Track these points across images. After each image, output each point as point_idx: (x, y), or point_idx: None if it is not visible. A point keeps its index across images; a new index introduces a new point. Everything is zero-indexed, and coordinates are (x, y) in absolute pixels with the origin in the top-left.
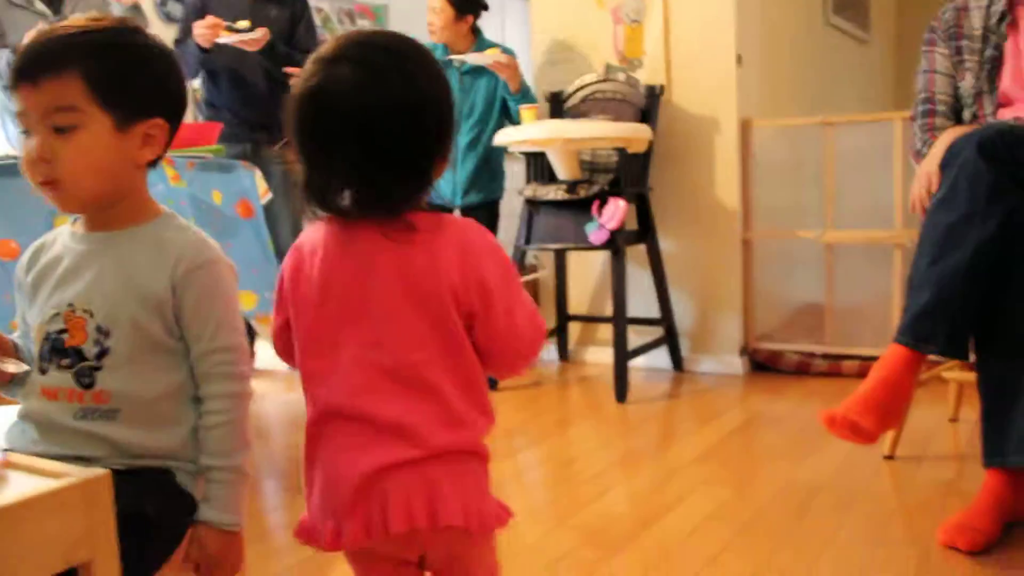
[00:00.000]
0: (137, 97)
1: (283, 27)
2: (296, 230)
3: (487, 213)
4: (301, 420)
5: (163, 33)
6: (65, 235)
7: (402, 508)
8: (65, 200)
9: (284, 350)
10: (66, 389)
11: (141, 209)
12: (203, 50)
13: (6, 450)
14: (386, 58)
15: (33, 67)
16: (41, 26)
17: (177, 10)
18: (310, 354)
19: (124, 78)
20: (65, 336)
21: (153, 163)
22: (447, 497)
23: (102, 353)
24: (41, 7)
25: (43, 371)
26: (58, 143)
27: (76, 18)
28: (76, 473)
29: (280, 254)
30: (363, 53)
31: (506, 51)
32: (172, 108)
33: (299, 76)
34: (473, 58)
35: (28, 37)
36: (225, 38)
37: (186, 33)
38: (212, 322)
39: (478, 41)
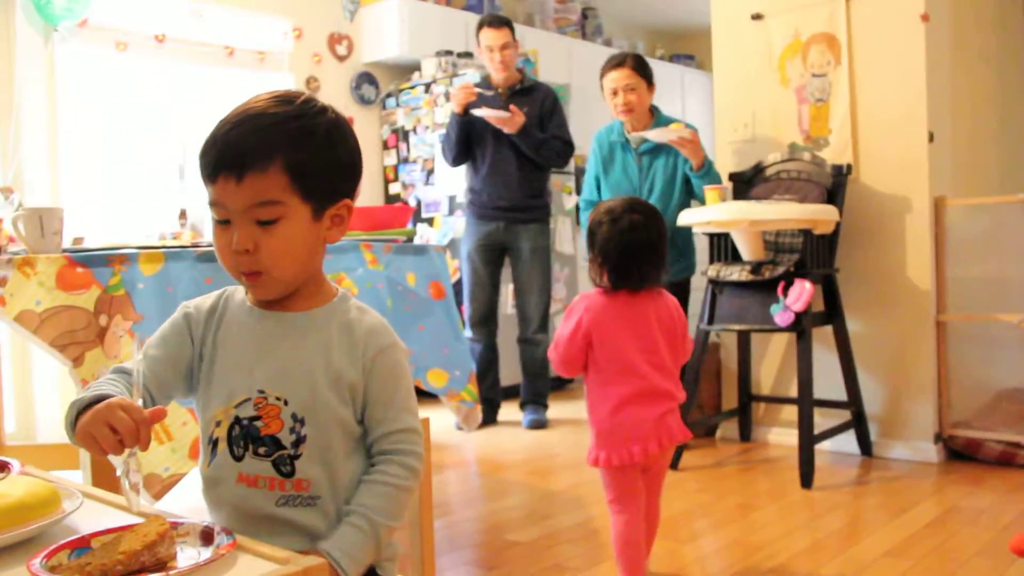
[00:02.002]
0: (332, 184)
1: (534, 118)
2: (546, 298)
3: (674, 293)
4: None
5: (357, 116)
6: (237, 307)
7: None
8: (268, 289)
9: (568, 364)
10: (266, 477)
11: (321, 289)
12: (459, 118)
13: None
14: (651, 209)
15: (237, 163)
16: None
17: (371, 93)
18: (612, 359)
19: (321, 168)
20: (260, 424)
21: None
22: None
23: (298, 441)
24: None
25: (237, 457)
26: (261, 234)
27: (262, 100)
28: (300, 561)
29: (526, 318)
30: (641, 208)
31: (688, 127)
32: (356, 185)
33: (601, 220)
34: (655, 134)
35: (218, 123)
36: (481, 112)
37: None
38: (396, 405)
39: (656, 118)
